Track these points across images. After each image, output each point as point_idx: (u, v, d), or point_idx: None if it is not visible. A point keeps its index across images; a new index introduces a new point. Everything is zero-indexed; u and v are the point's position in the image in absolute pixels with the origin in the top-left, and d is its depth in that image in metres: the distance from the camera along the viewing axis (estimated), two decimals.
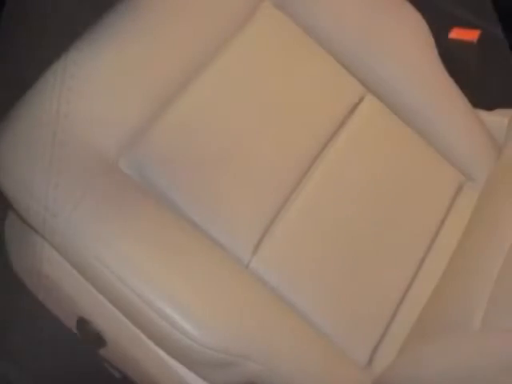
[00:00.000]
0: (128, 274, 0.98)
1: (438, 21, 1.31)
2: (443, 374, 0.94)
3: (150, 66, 1.13)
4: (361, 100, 1.24)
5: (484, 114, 1.32)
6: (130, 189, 1.05)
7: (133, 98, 1.11)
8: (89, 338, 1.11)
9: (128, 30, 1.15)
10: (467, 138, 1.27)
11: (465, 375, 0.91)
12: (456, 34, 1.40)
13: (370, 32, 1.25)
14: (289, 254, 1.10)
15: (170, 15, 1.18)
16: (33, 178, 1.04)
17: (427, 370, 0.95)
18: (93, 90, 1.10)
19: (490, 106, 1.34)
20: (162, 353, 1.03)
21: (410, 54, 1.26)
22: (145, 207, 1.04)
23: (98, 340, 1.09)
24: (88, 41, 1.15)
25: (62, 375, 1.26)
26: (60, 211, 1.01)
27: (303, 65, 1.22)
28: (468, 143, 1.27)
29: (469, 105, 1.29)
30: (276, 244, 1.09)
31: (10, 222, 1.18)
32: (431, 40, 1.28)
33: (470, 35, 1.38)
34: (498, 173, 1.23)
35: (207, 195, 1.08)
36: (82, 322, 1.10)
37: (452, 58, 1.35)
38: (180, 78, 1.14)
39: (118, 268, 0.98)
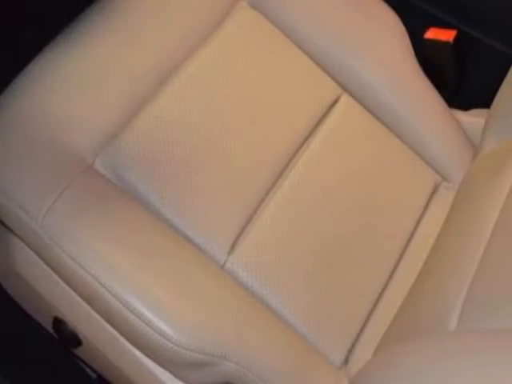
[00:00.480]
0: (103, 273, 0.98)
1: (414, 21, 1.32)
2: (418, 373, 0.94)
3: (125, 66, 1.13)
4: (337, 100, 1.24)
5: (460, 114, 1.32)
6: (105, 189, 1.05)
7: (108, 98, 1.11)
8: (65, 337, 1.10)
9: (104, 30, 1.15)
10: (443, 138, 1.27)
11: (439, 375, 0.91)
12: (432, 33, 1.40)
13: (345, 32, 1.25)
14: (265, 254, 1.09)
15: (146, 16, 1.18)
16: (8, 177, 1.04)
17: (402, 370, 0.95)
18: (69, 89, 1.10)
19: (465, 106, 1.35)
20: (137, 353, 1.03)
21: (386, 54, 1.27)
22: (120, 207, 1.04)
23: (74, 340, 1.09)
24: (64, 40, 1.15)
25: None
26: (35, 211, 1.00)
27: (279, 65, 1.22)
28: (444, 143, 1.27)
29: (445, 105, 1.29)
30: (252, 244, 1.09)
31: None
32: (407, 40, 1.28)
33: (446, 35, 1.39)
34: (473, 173, 1.23)
35: (183, 195, 1.08)
36: (58, 322, 1.10)
37: (428, 58, 1.35)
38: (155, 78, 1.14)
39: (94, 268, 0.98)
